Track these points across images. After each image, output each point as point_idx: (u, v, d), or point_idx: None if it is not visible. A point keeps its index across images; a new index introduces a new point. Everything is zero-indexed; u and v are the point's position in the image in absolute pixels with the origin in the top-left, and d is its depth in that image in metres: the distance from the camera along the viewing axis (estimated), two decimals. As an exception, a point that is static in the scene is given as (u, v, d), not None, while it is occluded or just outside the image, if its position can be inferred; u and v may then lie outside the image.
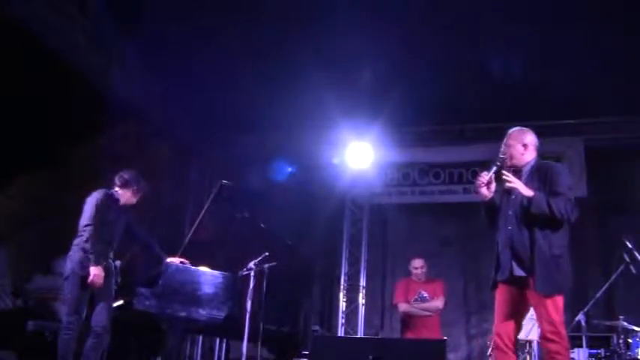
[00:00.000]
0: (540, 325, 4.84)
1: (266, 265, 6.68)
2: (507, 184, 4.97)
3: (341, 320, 10.53)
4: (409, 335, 7.64)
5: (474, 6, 8.08)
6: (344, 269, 10.84)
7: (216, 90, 9.68)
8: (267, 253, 6.69)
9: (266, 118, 10.22)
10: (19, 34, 7.62)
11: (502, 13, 8.12)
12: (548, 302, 4.75)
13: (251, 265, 6.70)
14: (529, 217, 4.85)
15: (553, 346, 4.72)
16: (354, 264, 10.90)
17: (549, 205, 4.78)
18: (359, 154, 10.50)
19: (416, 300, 7.82)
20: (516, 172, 5.09)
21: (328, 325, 10.90)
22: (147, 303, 6.18)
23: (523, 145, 5.16)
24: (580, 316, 6.66)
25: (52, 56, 8.06)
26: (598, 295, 6.78)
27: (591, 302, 6.76)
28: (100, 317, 5.97)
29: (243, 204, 7.42)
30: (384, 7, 8.22)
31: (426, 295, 7.85)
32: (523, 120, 9.47)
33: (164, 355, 6.65)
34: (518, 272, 4.88)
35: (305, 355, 8.14)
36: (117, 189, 6.30)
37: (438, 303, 7.83)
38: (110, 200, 6.17)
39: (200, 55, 9.15)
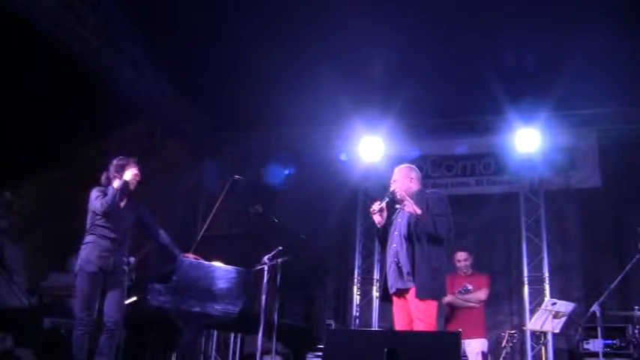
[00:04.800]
0: (415, 322, 5.51)
1: (279, 260, 6.67)
2: (403, 206, 5.71)
3: (355, 314, 10.54)
4: (451, 327, 7.66)
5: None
6: (357, 263, 10.85)
7: (228, 87, 9.70)
8: (280, 248, 6.69)
9: (278, 115, 10.24)
10: (32, 33, 7.65)
11: (515, 6, 8.10)
12: (423, 305, 5.47)
13: (265, 259, 6.69)
14: (412, 236, 5.62)
15: None
16: (367, 257, 10.90)
17: (434, 223, 5.55)
18: (371, 148, 10.52)
19: (460, 292, 7.82)
20: (403, 200, 5.77)
21: (342, 319, 10.90)
22: (161, 299, 6.18)
23: (410, 179, 5.98)
24: (595, 307, 6.63)
25: (63, 55, 8.09)
26: (613, 285, 6.74)
27: (606, 293, 6.73)
28: (111, 313, 5.99)
29: (255, 199, 7.43)
30: (395, 1, 8.21)
31: (470, 287, 7.86)
32: (534, 112, 9.59)
33: (179, 351, 6.67)
34: (402, 285, 5.64)
35: (320, 349, 8.16)
36: (108, 186, 6.28)
37: (480, 294, 7.84)
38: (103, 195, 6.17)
39: (212, 53, 9.16)
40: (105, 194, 6.11)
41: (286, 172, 11.19)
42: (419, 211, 5.59)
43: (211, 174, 11.05)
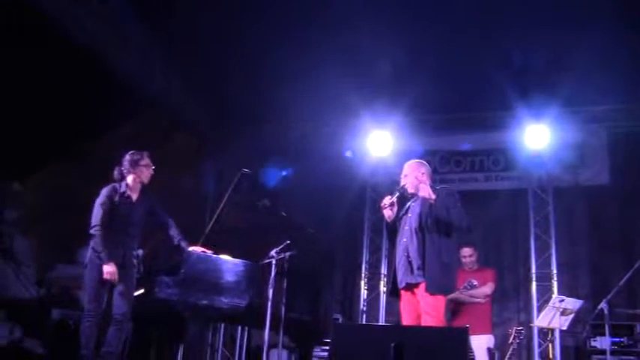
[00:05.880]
0: (423, 316, 5.54)
1: (287, 254, 6.69)
2: (418, 191, 5.72)
3: (362, 308, 10.54)
4: (457, 323, 7.55)
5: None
6: (365, 257, 10.84)
7: (236, 81, 9.70)
8: (288, 242, 6.70)
9: (287, 109, 10.23)
10: (38, 25, 7.64)
11: (525, 2, 8.08)
12: (432, 300, 5.49)
13: (272, 253, 6.71)
14: (424, 229, 5.66)
15: None
16: (375, 252, 10.90)
17: (447, 210, 5.59)
18: (379, 143, 10.50)
19: (465, 287, 7.73)
20: (414, 195, 5.91)
21: (349, 313, 10.90)
22: (169, 291, 6.21)
23: (421, 173, 5.98)
24: (603, 305, 6.61)
25: (71, 47, 8.07)
26: (621, 283, 6.72)
27: (614, 290, 6.71)
28: (120, 305, 6.03)
29: (264, 192, 7.44)
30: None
31: (475, 283, 7.76)
32: (544, 108, 9.55)
33: (186, 344, 6.69)
34: (412, 279, 5.64)
35: (326, 343, 8.17)
36: (122, 182, 6.31)
37: (486, 289, 7.72)
38: (116, 194, 6.18)
39: (220, 46, 9.16)
40: (116, 192, 6.16)
41: (284, 173, 11.14)
42: (434, 196, 5.58)
43: (218, 168, 11.05)
